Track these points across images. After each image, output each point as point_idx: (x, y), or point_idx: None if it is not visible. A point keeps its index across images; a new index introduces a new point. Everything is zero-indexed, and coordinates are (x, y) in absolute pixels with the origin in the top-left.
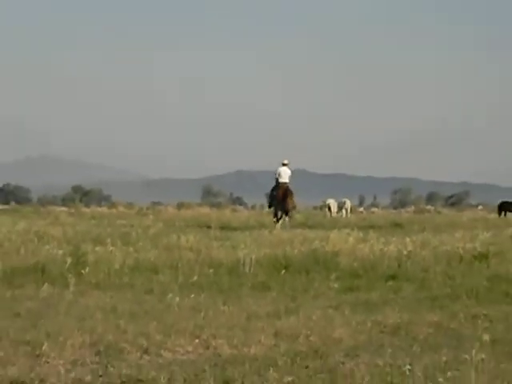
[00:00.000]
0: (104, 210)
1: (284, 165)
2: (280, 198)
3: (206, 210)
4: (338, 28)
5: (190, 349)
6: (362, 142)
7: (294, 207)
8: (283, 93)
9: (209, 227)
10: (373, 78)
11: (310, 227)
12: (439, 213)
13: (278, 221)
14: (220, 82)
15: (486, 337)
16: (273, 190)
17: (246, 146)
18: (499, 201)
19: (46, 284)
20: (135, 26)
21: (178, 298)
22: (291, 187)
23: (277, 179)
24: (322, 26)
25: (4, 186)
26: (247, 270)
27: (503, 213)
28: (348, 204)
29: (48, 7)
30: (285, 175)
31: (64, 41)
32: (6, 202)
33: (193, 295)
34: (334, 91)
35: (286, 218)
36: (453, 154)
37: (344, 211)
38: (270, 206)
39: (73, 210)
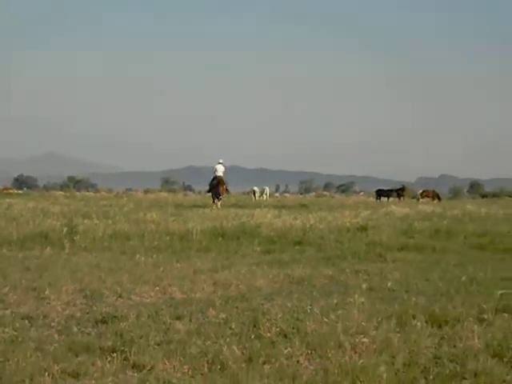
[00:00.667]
0: (91, 194)
1: (219, 163)
2: (215, 186)
3: (164, 194)
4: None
5: (152, 294)
6: (279, 144)
7: (226, 192)
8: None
9: (166, 207)
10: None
11: (240, 207)
12: (333, 197)
13: (214, 202)
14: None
15: (365, 286)
16: (212, 180)
17: (196, 147)
18: (376, 188)
19: (48, 247)
20: None
21: (143, 258)
22: (224, 179)
23: (214, 173)
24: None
25: (18, 176)
26: (194, 237)
27: (379, 197)
28: (267, 190)
29: None
30: (219, 170)
31: None
32: (20, 188)
33: (154, 255)
34: (257, 97)
35: (219, 202)
36: (343, 153)
37: (264, 196)
38: (208, 191)
39: (68, 194)
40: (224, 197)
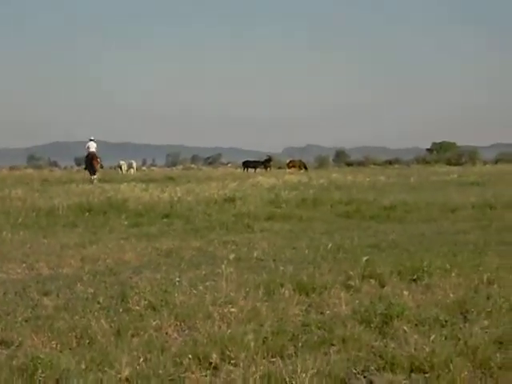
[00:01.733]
0: None
1: (91, 140)
2: (90, 162)
3: (30, 171)
4: None
5: (19, 271)
6: (144, 119)
7: (100, 167)
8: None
9: (32, 183)
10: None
11: (107, 181)
12: (200, 170)
13: (91, 177)
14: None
15: (233, 256)
16: (86, 157)
17: (60, 122)
18: (243, 160)
19: None
20: None
21: (10, 235)
22: (97, 154)
23: (87, 150)
24: None
25: None
26: (61, 213)
27: (246, 169)
28: (134, 164)
29: None
30: (92, 147)
31: None
32: None
33: (21, 232)
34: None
35: (95, 176)
36: (208, 126)
37: (132, 170)
38: (85, 168)
39: None
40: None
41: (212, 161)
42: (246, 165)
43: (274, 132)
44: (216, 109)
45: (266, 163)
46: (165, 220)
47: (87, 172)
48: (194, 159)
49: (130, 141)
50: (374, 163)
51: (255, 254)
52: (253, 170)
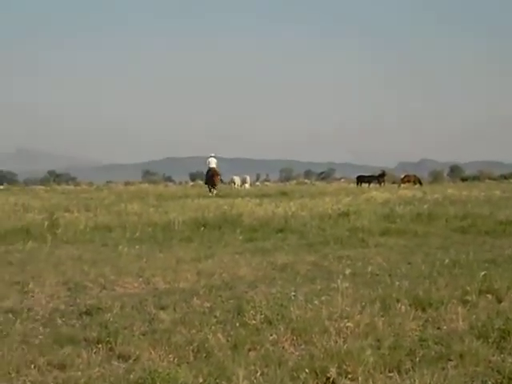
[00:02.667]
0: (71, 187)
1: (211, 156)
2: (210, 178)
3: (145, 186)
4: None
5: (135, 285)
6: (258, 133)
7: (220, 182)
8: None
9: (147, 198)
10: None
11: (221, 197)
12: (313, 185)
13: (210, 191)
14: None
15: (348, 271)
16: (207, 172)
17: (174, 138)
18: (356, 175)
19: (30, 241)
20: None
21: (126, 249)
22: (217, 170)
23: (208, 165)
24: None
25: None
26: (176, 227)
27: (360, 184)
28: (248, 179)
29: None
30: (212, 162)
31: None
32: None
33: (137, 246)
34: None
35: (214, 191)
36: (321, 141)
37: (246, 185)
38: (205, 183)
39: (48, 188)
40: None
41: (325, 176)
42: (360, 179)
43: (388, 147)
44: (329, 124)
45: (379, 178)
46: (279, 235)
47: (206, 186)
48: (308, 174)
49: (243, 156)
50: (490, 178)
51: (370, 269)
52: (367, 184)
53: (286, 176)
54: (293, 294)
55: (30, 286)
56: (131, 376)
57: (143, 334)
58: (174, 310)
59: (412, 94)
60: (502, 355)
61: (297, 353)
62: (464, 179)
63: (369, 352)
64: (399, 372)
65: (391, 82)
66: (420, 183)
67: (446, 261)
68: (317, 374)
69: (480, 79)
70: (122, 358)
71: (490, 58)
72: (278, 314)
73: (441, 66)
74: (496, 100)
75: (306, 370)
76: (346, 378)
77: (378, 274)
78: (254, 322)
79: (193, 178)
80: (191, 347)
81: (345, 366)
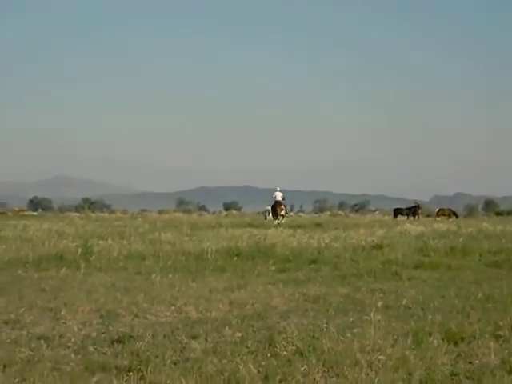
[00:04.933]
0: (105, 215)
1: (277, 190)
2: (274, 208)
3: (179, 214)
4: None
5: (168, 313)
6: (292, 166)
7: (286, 213)
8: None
9: (181, 227)
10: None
11: (255, 227)
12: (347, 216)
13: (276, 221)
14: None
15: (381, 304)
16: (272, 205)
17: (207, 167)
18: (390, 207)
19: (64, 268)
20: None
21: (159, 277)
22: (282, 202)
23: (274, 199)
24: None
25: (33, 198)
26: (209, 257)
27: (396, 216)
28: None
29: None
30: (278, 196)
31: None
32: (35, 210)
33: (170, 275)
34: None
35: (282, 221)
36: (355, 174)
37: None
38: (271, 214)
39: (83, 215)
40: (286, 217)
41: (359, 208)
42: (398, 212)
43: (422, 180)
44: (363, 154)
45: (414, 210)
46: (312, 266)
47: (271, 216)
48: (342, 206)
49: (278, 186)
50: None
51: (403, 302)
52: (405, 217)
53: (320, 207)
54: (325, 325)
55: (63, 312)
56: None
57: (174, 363)
58: (206, 339)
59: (443, 125)
60: None
61: None
62: (498, 213)
63: None
64: None
65: (424, 110)
66: (456, 216)
67: (480, 295)
68: None
69: None
70: None
71: None
72: (309, 346)
73: (472, 96)
74: None
75: None
76: None
77: (410, 307)
78: (285, 353)
79: (226, 207)
80: (222, 377)
81: None
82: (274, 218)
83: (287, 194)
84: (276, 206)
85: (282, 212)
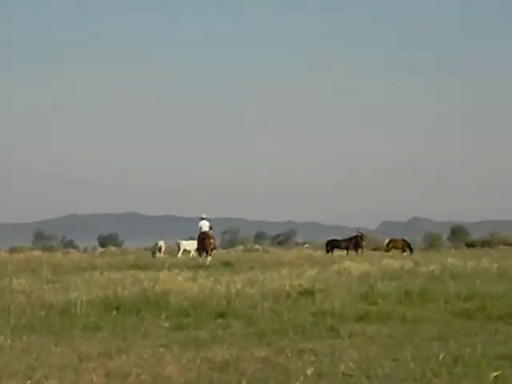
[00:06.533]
0: None
1: (202, 218)
2: (201, 242)
3: (37, 253)
4: None
5: None
6: (191, 186)
7: (214, 248)
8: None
9: (40, 270)
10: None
11: (141, 268)
12: (267, 251)
13: (204, 257)
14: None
15: (311, 370)
16: (198, 236)
17: (80, 191)
18: (328, 238)
19: None
20: None
21: (9, 341)
22: (210, 234)
23: (200, 229)
24: None
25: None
26: (78, 311)
27: (331, 250)
28: (163, 245)
29: None
30: (204, 226)
31: None
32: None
33: (24, 337)
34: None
35: (209, 257)
36: (277, 194)
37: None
38: (197, 249)
39: None
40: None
41: (283, 239)
42: (332, 245)
43: (366, 202)
44: (288, 175)
45: (357, 242)
46: (219, 321)
47: (197, 253)
48: (259, 237)
49: (171, 213)
50: (505, 243)
51: (341, 368)
52: (343, 251)
53: (230, 240)
54: None
55: None
56: None
57: None
58: None
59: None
60: None
61: None
62: (470, 244)
63: None
64: None
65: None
66: (411, 250)
67: (445, 356)
68: None
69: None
70: None
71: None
72: None
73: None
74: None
75: None
76: None
77: (351, 375)
78: None
79: (102, 242)
80: None
81: None
82: (200, 255)
83: (185, 222)
84: (205, 238)
85: (211, 246)
